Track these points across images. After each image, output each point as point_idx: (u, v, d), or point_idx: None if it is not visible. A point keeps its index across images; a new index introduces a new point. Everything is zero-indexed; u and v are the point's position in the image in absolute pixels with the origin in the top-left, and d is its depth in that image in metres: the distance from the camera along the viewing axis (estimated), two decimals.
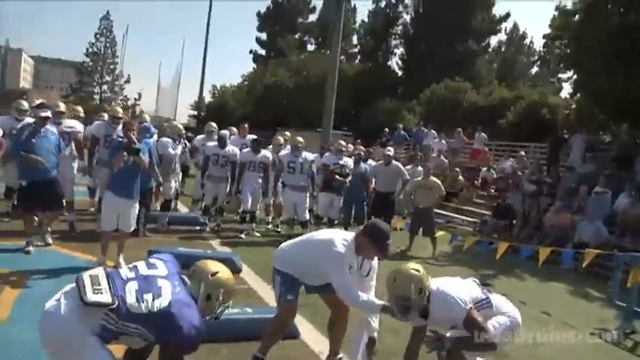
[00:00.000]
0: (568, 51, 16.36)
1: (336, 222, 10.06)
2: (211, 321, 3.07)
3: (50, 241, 7.18)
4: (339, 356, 4.14)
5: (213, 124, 10.70)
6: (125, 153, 6.27)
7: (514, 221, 11.57)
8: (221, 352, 4.22)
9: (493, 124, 22.17)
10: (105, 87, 55.23)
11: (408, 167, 11.78)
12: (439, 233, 9.54)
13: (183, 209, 10.90)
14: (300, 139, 9.37)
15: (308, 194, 9.20)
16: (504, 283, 8.02)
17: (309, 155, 9.27)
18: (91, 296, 2.61)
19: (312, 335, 4.79)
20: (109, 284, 2.70)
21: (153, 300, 2.70)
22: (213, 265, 3.01)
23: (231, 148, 9.34)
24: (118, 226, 6.46)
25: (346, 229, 10.12)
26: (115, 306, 2.64)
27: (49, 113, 7.04)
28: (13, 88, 58.64)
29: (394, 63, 41.17)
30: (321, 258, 3.70)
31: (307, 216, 9.19)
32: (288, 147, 9.64)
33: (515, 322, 3.69)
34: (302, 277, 3.90)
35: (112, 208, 6.45)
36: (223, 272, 2.99)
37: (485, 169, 15.78)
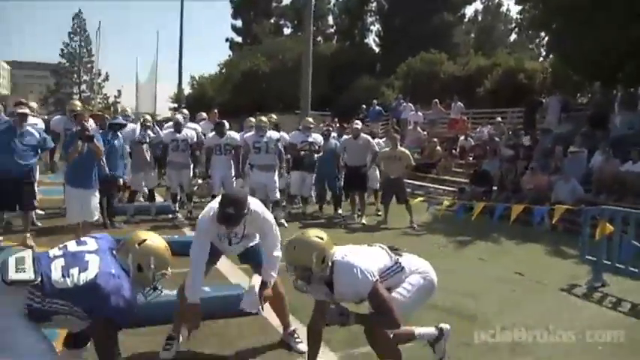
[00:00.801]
0: (536, 13, 16.24)
1: (309, 199, 10.02)
2: (165, 301, 2.94)
3: (32, 243, 6.67)
4: (292, 328, 4.10)
5: (185, 111, 10.64)
6: (79, 141, 6.22)
7: (493, 187, 11.53)
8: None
9: (470, 93, 22.15)
10: (83, 86, 54.38)
11: (383, 140, 11.71)
12: (416, 200, 9.49)
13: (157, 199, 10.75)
14: (264, 118, 9.21)
15: (276, 173, 9.04)
16: (481, 247, 8.01)
17: (273, 134, 9.10)
18: (12, 275, 2.54)
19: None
20: (33, 263, 2.62)
21: (79, 273, 2.63)
22: (142, 234, 2.92)
23: (187, 132, 9.21)
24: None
25: (321, 207, 10.10)
26: (38, 283, 2.56)
27: (26, 110, 6.92)
28: None
29: (371, 40, 41.02)
30: None
31: (278, 195, 9.07)
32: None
33: (430, 280, 3.43)
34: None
35: (74, 200, 6.44)
36: (153, 240, 2.89)
37: (462, 137, 15.73)
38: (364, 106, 21.43)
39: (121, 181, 8.43)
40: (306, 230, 3.30)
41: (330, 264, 3.13)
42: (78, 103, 9.09)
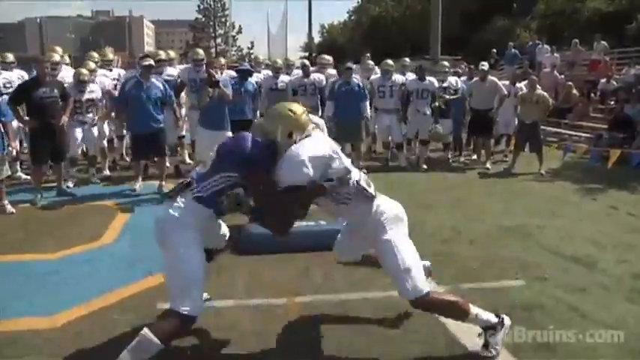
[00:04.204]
0: None
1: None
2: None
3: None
4: None
5: (326, 57, 10.64)
6: (209, 88, 6.77)
7: (635, 134, 10.63)
8: (296, 261, 4.51)
9: (618, 30, 20.20)
10: (219, 40, 56.56)
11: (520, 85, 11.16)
12: (551, 147, 9.01)
13: None
14: (390, 62, 9.23)
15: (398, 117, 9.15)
16: (614, 195, 7.53)
17: (398, 77, 9.13)
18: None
19: None
20: None
21: None
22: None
23: (316, 76, 9.38)
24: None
25: (444, 149, 10.05)
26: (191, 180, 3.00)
27: (151, 61, 7.29)
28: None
29: None
30: None
31: (401, 138, 9.27)
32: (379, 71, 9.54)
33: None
34: None
35: (205, 139, 6.92)
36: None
37: (604, 80, 14.53)
38: (494, 50, 20.40)
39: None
40: (289, 103, 3.14)
41: (296, 141, 2.92)
42: (200, 51, 9.25)
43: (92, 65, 8.26)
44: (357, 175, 3.05)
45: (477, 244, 5.12)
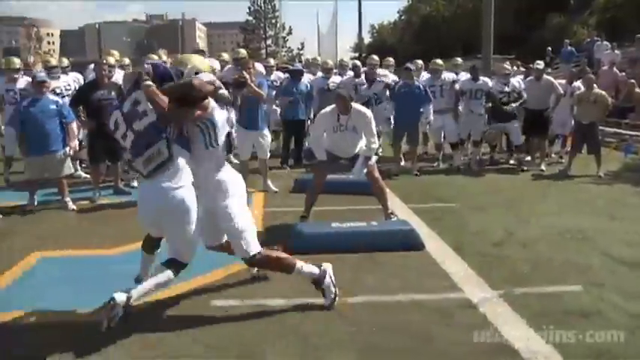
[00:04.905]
0: None
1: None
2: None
3: None
4: (389, 211, 5.48)
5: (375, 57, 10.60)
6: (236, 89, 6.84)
7: None
8: (347, 261, 4.47)
9: None
10: (269, 41, 57.20)
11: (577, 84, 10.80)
12: (610, 148, 8.66)
13: None
14: (439, 61, 9.14)
15: (452, 116, 9.03)
16: None
17: (449, 75, 9.06)
18: None
19: (437, 247, 4.92)
20: None
21: None
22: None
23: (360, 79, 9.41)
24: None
25: (493, 148, 9.82)
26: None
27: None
28: None
29: None
30: None
31: (456, 138, 9.14)
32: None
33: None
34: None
35: (244, 140, 7.23)
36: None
37: None
38: (549, 48, 19.81)
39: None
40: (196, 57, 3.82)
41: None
42: (242, 50, 9.60)
43: None
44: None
45: (529, 246, 5.00)
